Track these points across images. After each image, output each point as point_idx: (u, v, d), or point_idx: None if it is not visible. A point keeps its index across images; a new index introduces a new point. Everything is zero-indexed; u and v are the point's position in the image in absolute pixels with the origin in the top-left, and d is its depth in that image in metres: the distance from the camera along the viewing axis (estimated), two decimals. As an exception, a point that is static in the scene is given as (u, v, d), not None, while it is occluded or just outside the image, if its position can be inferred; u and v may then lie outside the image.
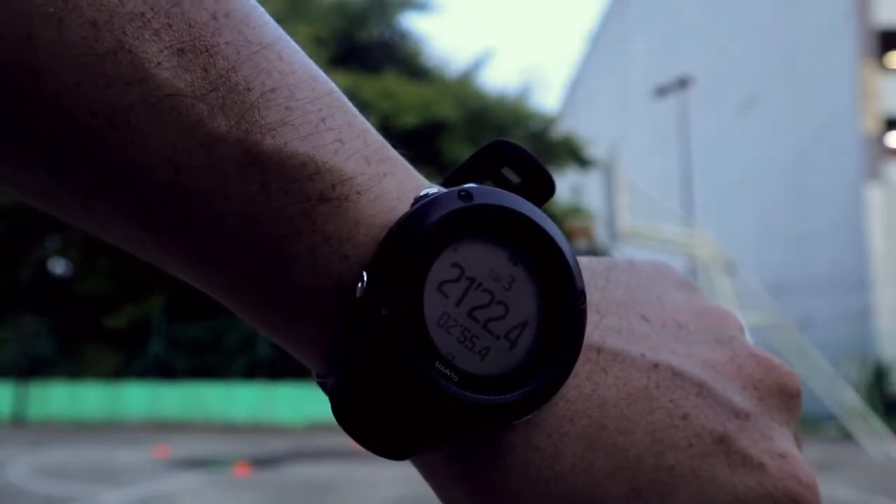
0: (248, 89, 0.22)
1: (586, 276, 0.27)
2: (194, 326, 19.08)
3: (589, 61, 38.96)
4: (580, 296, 0.25)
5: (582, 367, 0.25)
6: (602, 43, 36.62)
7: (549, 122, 22.23)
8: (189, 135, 0.22)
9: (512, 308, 0.25)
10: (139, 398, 18.21)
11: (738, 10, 24.37)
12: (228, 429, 16.85)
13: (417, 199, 0.25)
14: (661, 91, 19.98)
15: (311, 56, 0.24)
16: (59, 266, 21.85)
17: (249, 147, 0.22)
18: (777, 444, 0.26)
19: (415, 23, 41.25)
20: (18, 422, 17.72)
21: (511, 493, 0.25)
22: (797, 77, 21.38)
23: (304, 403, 17.87)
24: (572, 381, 0.25)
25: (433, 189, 0.25)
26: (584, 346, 0.25)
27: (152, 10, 0.21)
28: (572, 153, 21.63)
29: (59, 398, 18.30)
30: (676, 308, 0.28)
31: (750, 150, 23.22)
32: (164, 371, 18.73)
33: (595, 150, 22.52)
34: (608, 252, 22.34)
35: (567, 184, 23.88)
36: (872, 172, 18.40)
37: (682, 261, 14.10)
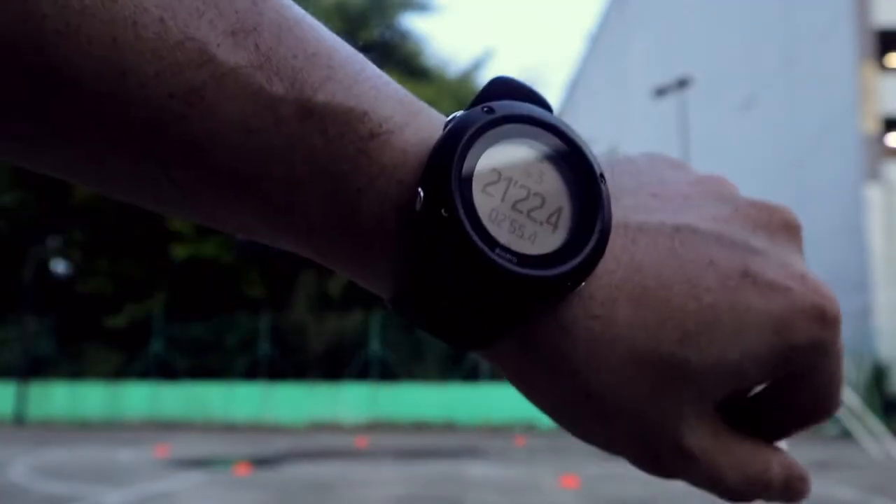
0: (294, 56, 0.27)
1: None
2: (194, 326, 19.09)
3: (589, 61, 38.96)
4: (601, 177, 0.30)
5: (615, 243, 0.30)
6: (602, 43, 36.62)
7: (549, 122, 22.16)
8: (254, 100, 0.26)
9: (548, 197, 0.29)
10: (139, 398, 18.22)
11: (738, 10, 24.37)
12: (229, 429, 16.86)
13: (447, 122, 0.29)
14: (661, 91, 20.00)
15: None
16: (59, 266, 21.86)
17: (304, 103, 0.26)
18: (795, 268, 0.30)
19: (415, 23, 41.22)
20: (19, 421, 17.73)
21: (580, 361, 0.29)
22: (797, 77, 21.39)
23: (304, 403, 17.88)
24: (609, 255, 0.29)
25: (459, 112, 0.29)
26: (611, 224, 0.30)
27: (204, 3, 0.25)
28: (572, 153, 21.59)
29: (59, 398, 18.31)
30: (678, 183, 0.33)
31: (749, 150, 23.23)
32: (165, 371, 18.73)
33: (595, 150, 22.39)
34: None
35: (567, 184, 23.81)
36: (872, 172, 18.41)
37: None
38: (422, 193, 0.27)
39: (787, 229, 0.32)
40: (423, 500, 6.58)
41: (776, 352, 0.29)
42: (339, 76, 0.27)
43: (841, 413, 13.06)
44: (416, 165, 0.28)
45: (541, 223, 0.29)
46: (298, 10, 0.28)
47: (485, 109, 0.29)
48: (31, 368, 18.56)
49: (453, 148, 0.27)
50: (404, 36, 23.58)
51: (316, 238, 0.28)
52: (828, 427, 14.96)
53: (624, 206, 0.31)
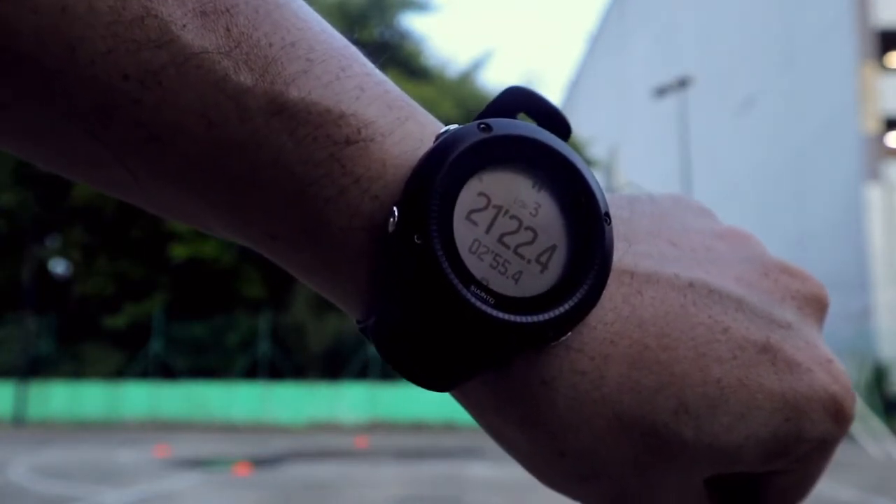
0: (270, 44, 0.24)
1: (610, 209, 0.28)
2: (194, 326, 19.08)
3: (589, 61, 38.96)
4: (605, 217, 0.26)
5: (617, 291, 0.26)
6: (602, 43, 36.62)
7: (549, 122, 22.20)
8: (217, 89, 0.23)
9: (540, 233, 0.25)
10: (139, 398, 18.21)
11: (738, 10, 24.37)
12: (228, 429, 16.85)
13: (439, 136, 0.25)
14: (661, 91, 19.98)
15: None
16: (59, 266, 21.85)
17: (275, 97, 0.23)
18: (821, 350, 0.27)
19: (415, 23, 41.28)
20: (19, 422, 17.72)
21: (559, 419, 0.25)
22: (797, 77, 21.38)
23: (304, 403, 17.86)
24: (609, 304, 0.26)
25: (454, 126, 0.26)
26: (616, 270, 0.26)
27: None
28: (572, 153, 21.62)
29: (59, 398, 18.29)
30: (702, 233, 0.29)
31: (750, 149, 23.23)
32: (164, 371, 18.73)
33: (595, 150, 22.53)
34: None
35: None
36: (872, 172, 18.41)
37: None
38: (396, 213, 0.24)
39: (817, 304, 0.29)
40: (423, 500, 6.58)
41: (780, 441, 0.26)
42: (317, 71, 0.24)
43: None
44: (396, 180, 0.25)
45: (529, 261, 0.25)
46: None
47: (481, 126, 0.26)
48: (31, 368, 18.55)
49: (438, 166, 0.24)
50: (404, 36, 23.60)
51: (277, 245, 0.26)
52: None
53: (635, 252, 0.27)
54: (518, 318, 0.24)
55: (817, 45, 20.53)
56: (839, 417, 0.27)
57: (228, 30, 0.23)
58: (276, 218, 0.25)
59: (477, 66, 24.46)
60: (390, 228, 0.24)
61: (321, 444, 12.73)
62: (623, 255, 0.27)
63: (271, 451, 11.29)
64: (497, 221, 0.25)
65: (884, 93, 18.89)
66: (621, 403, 0.25)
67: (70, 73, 0.22)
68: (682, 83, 19.07)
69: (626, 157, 29.58)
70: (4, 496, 6.70)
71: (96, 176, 0.25)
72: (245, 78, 0.23)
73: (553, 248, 0.26)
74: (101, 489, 7.07)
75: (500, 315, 0.24)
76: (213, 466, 9.22)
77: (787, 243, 21.21)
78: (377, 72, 0.27)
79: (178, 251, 18.94)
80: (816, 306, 0.29)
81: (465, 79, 23.67)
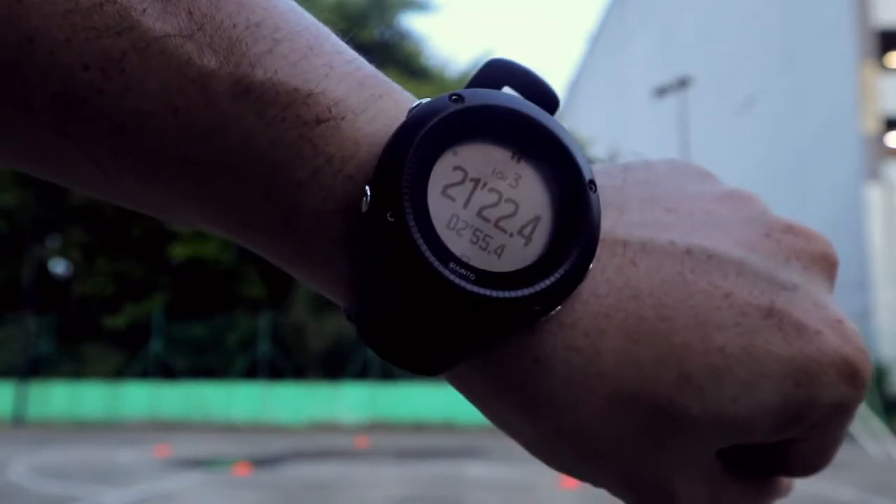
0: (234, 25, 0.23)
1: (602, 180, 0.27)
2: (194, 326, 19.08)
3: (589, 61, 38.96)
4: (590, 184, 0.25)
5: (609, 262, 0.25)
6: (602, 43, 36.61)
7: (549, 122, 22.22)
8: (181, 74, 0.22)
9: (522, 205, 0.25)
10: (139, 398, 18.21)
11: (738, 10, 24.37)
12: (228, 429, 16.84)
13: (411, 110, 0.24)
14: (661, 91, 19.98)
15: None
16: (59, 266, 21.85)
17: (240, 78, 0.23)
18: (832, 311, 0.26)
19: (415, 23, 41.30)
20: (18, 422, 17.72)
21: (555, 398, 0.24)
22: (797, 77, 21.38)
23: (304, 403, 17.86)
24: (601, 276, 0.25)
25: (426, 99, 0.25)
26: (609, 240, 0.25)
27: None
28: (572, 153, 21.62)
29: (59, 398, 18.29)
30: (701, 196, 0.28)
31: (750, 149, 23.23)
32: (164, 371, 18.73)
33: (595, 150, 22.52)
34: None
35: (567, 184, 23.85)
36: (872, 172, 18.40)
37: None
38: (369, 192, 0.23)
39: (824, 263, 0.27)
40: (423, 500, 6.58)
41: (792, 408, 0.25)
42: (284, 49, 0.23)
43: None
44: (370, 159, 0.24)
45: (511, 234, 0.24)
46: None
47: (453, 98, 0.25)
48: (31, 368, 18.55)
49: (409, 140, 0.23)
50: (404, 36, 23.63)
51: (252, 233, 0.25)
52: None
53: (628, 221, 0.26)
54: (501, 294, 0.23)
55: (817, 45, 20.52)
56: (854, 380, 0.25)
57: (190, 12, 0.22)
58: (249, 205, 0.24)
59: (477, 66, 24.39)
60: (363, 208, 0.23)
61: (321, 444, 12.72)
62: (615, 224, 0.26)
63: (271, 451, 11.29)
64: (475, 195, 0.24)
65: (884, 93, 18.89)
66: (620, 379, 0.24)
67: (29, 66, 0.21)
68: (682, 83, 19.06)
69: (626, 157, 29.48)
70: (4, 496, 6.69)
71: (65, 173, 0.24)
72: (209, 61, 0.22)
73: (537, 219, 0.25)
74: (101, 489, 7.07)
75: (482, 291, 0.23)
76: (213, 466, 9.21)
77: (787, 243, 21.16)
78: (349, 50, 0.25)
79: (178, 251, 18.95)
80: (824, 265, 0.27)
81: (466, 79, 23.42)
